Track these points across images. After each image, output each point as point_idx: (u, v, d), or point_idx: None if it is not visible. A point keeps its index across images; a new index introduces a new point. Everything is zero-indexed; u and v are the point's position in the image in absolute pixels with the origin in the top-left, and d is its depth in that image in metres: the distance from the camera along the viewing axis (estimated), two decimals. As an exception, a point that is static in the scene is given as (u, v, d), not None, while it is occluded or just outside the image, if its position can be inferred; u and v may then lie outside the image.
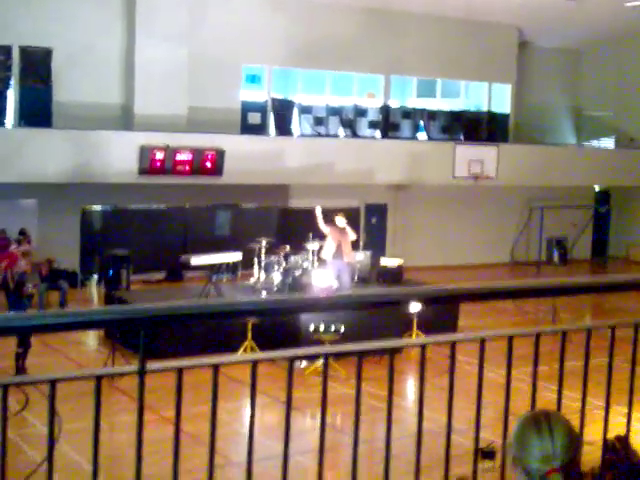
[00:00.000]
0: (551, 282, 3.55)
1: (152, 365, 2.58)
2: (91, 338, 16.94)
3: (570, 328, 3.44)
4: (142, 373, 2.53)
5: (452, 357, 3.12)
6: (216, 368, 2.69)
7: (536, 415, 2.63)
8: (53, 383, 2.47)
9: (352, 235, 17.64)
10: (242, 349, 14.64)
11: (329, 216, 17.78)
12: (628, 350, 3.53)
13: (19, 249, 19.75)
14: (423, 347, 3.08)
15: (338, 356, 3.11)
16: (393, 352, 3.22)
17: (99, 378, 2.54)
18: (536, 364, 3.34)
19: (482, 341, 3.18)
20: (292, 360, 2.83)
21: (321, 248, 17.74)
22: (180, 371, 2.63)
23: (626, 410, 3.65)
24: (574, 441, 2.58)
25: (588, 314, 20.65)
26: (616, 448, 7.13)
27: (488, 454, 8.64)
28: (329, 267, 17.43)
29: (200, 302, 3.03)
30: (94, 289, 20.21)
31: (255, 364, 2.77)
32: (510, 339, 3.24)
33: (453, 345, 3.13)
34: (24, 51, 21.50)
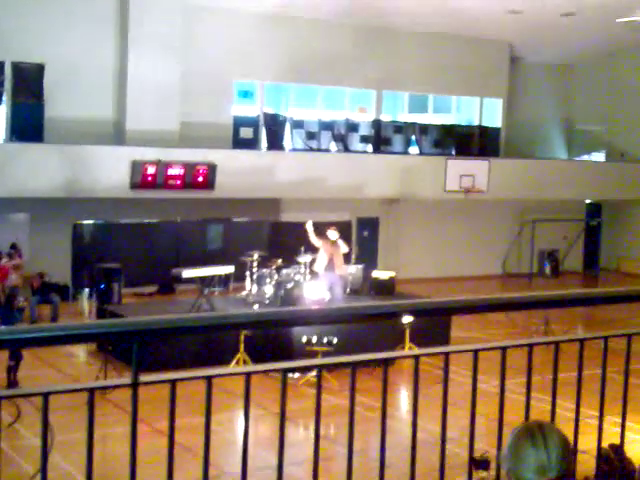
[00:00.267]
0: (543, 295, 3.57)
1: (145, 377, 2.58)
2: (83, 351, 16.89)
3: (563, 339, 3.45)
4: (135, 385, 2.53)
5: (446, 368, 3.13)
6: (209, 380, 2.69)
7: (530, 426, 2.63)
8: (46, 396, 2.46)
9: (344, 248, 17.75)
10: (234, 361, 14.62)
11: (321, 229, 17.82)
12: (619, 361, 3.55)
13: (10, 263, 19.70)
14: (417, 359, 3.08)
15: (330, 367, 3.11)
16: (387, 363, 3.22)
17: (92, 391, 2.54)
18: (529, 375, 3.35)
19: (475, 352, 3.18)
20: (285, 372, 2.83)
21: (313, 261, 17.77)
22: (173, 383, 2.63)
23: (618, 420, 3.66)
24: (568, 452, 2.59)
25: (580, 326, 20.70)
26: (610, 457, 7.14)
27: (482, 464, 8.64)
28: (321, 280, 17.46)
29: (193, 315, 3.03)
30: (85, 303, 20.15)
31: (249, 376, 2.77)
32: (503, 351, 3.25)
33: (447, 357, 3.14)
34: (16, 67, 21.52)
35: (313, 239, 17.52)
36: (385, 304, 3.39)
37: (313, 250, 17.97)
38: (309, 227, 17.48)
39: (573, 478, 2.63)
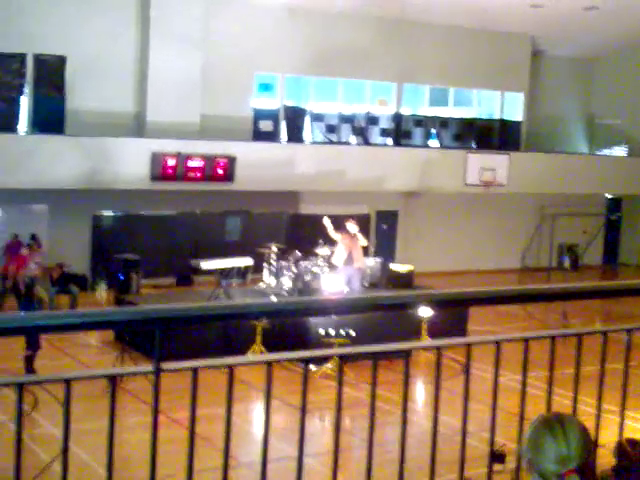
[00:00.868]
0: (562, 286, 3.54)
1: (167, 365, 2.58)
2: (100, 341, 16.97)
3: (585, 331, 3.42)
4: (158, 372, 2.53)
5: (467, 359, 3.11)
6: (231, 369, 2.69)
7: (549, 418, 2.64)
8: (68, 382, 2.47)
9: (363, 241, 17.77)
10: (250, 352, 14.64)
11: (340, 222, 17.81)
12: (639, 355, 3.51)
13: (29, 253, 19.85)
14: (439, 349, 3.07)
15: (347, 359, 3.09)
16: (408, 355, 3.21)
17: (114, 377, 2.54)
18: (552, 367, 3.32)
19: (497, 343, 3.17)
20: (307, 362, 2.82)
21: (332, 254, 17.77)
22: (195, 371, 2.63)
23: (635, 415, 3.62)
24: (589, 443, 2.58)
25: (598, 320, 20.58)
26: (627, 451, 7.09)
27: (499, 457, 8.60)
28: (340, 272, 17.47)
29: (214, 303, 3.03)
30: (104, 293, 20.24)
31: (270, 365, 2.76)
32: (526, 342, 3.23)
33: (469, 347, 3.12)
34: (38, 59, 21.61)
35: (332, 234, 17.55)
36: (404, 294, 3.37)
37: (331, 243, 17.96)
38: (327, 223, 17.50)
39: (593, 470, 2.62)
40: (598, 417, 3.36)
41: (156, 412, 2.60)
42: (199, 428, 2.72)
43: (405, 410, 3.06)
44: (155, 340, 2.54)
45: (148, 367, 2.55)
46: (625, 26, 26.20)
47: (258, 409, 13.11)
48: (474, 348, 3.26)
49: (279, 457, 7.86)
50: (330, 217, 17.82)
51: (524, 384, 3.21)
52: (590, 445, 2.58)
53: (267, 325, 14.57)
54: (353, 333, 14.43)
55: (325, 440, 11.14)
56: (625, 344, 3.45)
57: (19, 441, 2.49)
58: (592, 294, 3.71)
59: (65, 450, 2.55)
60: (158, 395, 2.58)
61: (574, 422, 2.62)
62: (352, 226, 17.68)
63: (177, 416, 10.34)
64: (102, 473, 9.94)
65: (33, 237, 20.68)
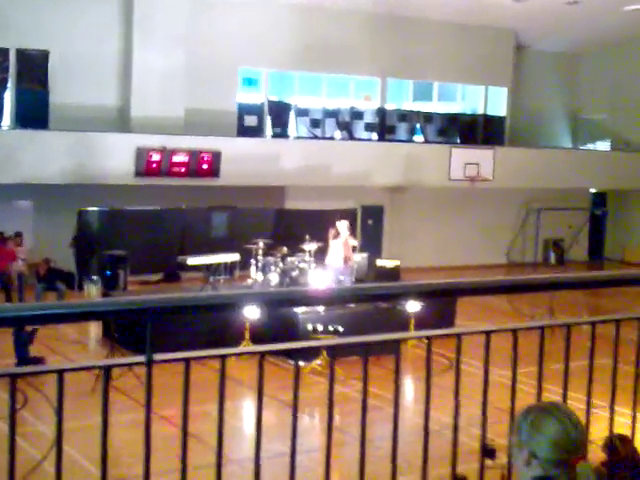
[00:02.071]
0: (548, 277, 3.55)
1: (159, 356, 2.57)
2: (89, 338, 16.92)
3: (574, 321, 3.43)
4: (150, 363, 2.52)
5: (458, 350, 3.12)
6: (223, 359, 2.68)
7: (547, 407, 2.57)
8: (61, 373, 2.46)
9: (353, 242, 18.21)
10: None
11: (327, 218, 17.87)
12: (628, 351, 3.53)
13: (15, 249, 19.82)
14: (429, 339, 3.07)
15: (336, 355, 3.08)
16: (398, 349, 3.22)
17: (107, 368, 2.54)
18: (541, 359, 3.33)
19: (487, 334, 3.17)
20: (298, 356, 2.81)
21: (318, 249, 17.82)
22: (187, 362, 2.62)
23: (623, 410, 3.64)
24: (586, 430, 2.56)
25: (585, 315, 20.66)
26: (616, 447, 7.13)
27: (489, 452, 8.63)
28: (328, 269, 17.55)
29: (205, 293, 3.03)
30: (93, 290, 20.18)
31: (263, 356, 2.76)
32: (515, 333, 3.24)
33: (459, 338, 3.13)
34: (21, 53, 21.49)
35: (331, 239, 17.80)
36: (392, 285, 3.38)
37: (318, 238, 18.00)
38: (342, 227, 17.71)
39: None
40: (588, 411, 3.35)
41: (149, 404, 2.60)
42: (189, 425, 2.70)
43: (397, 404, 3.06)
44: (147, 331, 2.54)
45: (140, 358, 2.55)
46: (608, 21, 26.30)
47: (247, 406, 13.11)
48: (464, 345, 3.24)
49: (269, 454, 7.85)
50: (319, 212, 17.90)
51: (514, 376, 3.21)
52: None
53: (255, 322, 14.57)
54: (341, 329, 14.46)
55: (314, 437, 11.15)
56: (613, 338, 3.45)
57: (12, 435, 2.48)
58: (578, 285, 3.73)
59: (59, 443, 2.54)
60: (151, 386, 2.58)
61: (569, 409, 2.59)
62: (343, 225, 17.86)
63: (165, 413, 10.32)
64: (91, 470, 9.91)
65: (17, 234, 20.59)
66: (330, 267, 17.60)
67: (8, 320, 2.49)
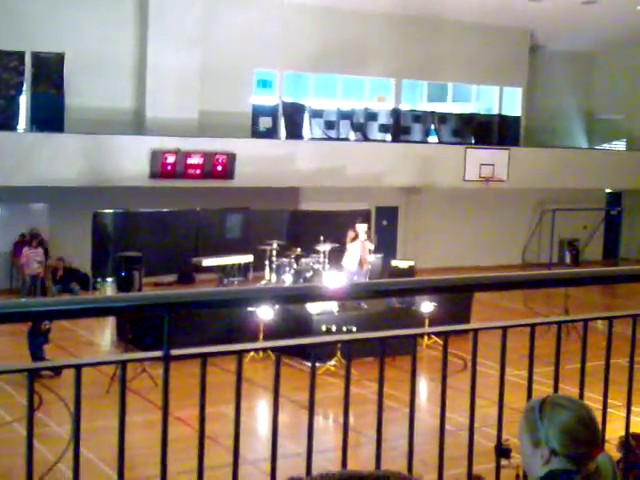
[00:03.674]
0: (563, 272, 3.54)
1: (177, 351, 2.58)
2: (103, 339, 16.98)
3: (591, 317, 3.41)
4: (167, 358, 2.53)
5: (474, 345, 3.11)
6: (240, 355, 2.68)
7: (559, 401, 2.51)
8: (79, 368, 2.47)
9: (370, 245, 18.20)
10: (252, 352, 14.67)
11: (342, 219, 17.87)
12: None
13: (31, 251, 19.96)
14: (446, 335, 3.07)
15: (351, 354, 3.05)
16: (414, 346, 3.19)
17: (124, 363, 2.54)
18: (558, 354, 3.31)
19: (504, 329, 3.16)
20: (315, 347, 2.81)
21: (332, 250, 17.86)
22: (205, 358, 2.63)
23: (638, 409, 3.60)
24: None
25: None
26: (631, 446, 7.09)
27: (504, 452, 8.60)
28: (343, 270, 17.60)
29: (221, 289, 3.03)
30: (107, 292, 20.28)
31: (279, 352, 2.76)
32: (532, 328, 3.22)
33: (475, 333, 3.11)
34: (37, 57, 21.58)
35: (349, 242, 17.80)
36: (407, 281, 3.38)
37: (332, 239, 18.02)
38: (360, 229, 17.70)
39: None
40: (604, 410, 3.32)
41: (166, 399, 2.60)
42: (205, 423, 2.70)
43: (413, 401, 3.05)
44: (164, 325, 2.55)
45: (158, 353, 2.55)
46: (624, 20, 26.16)
47: (261, 406, 13.12)
48: (478, 345, 3.20)
49: (284, 454, 7.86)
50: (334, 213, 17.92)
51: (531, 368, 3.18)
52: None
53: (269, 321, 14.57)
54: (355, 330, 14.45)
55: (329, 437, 11.13)
56: (629, 337, 3.42)
57: (30, 431, 2.48)
58: (592, 280, 3.70)
59: (77, 440, 2.54)
60: (167, 381, 2.58)
61: (578, 400, 2.55)
62: (362, 227, 17.91)
63: (180, 414, 10.34)
64: (106, 471, 9.95)
65: (33, 236, 20.76)
66: (345, 268, 17.61)
67: (33, 314, 2.50)
